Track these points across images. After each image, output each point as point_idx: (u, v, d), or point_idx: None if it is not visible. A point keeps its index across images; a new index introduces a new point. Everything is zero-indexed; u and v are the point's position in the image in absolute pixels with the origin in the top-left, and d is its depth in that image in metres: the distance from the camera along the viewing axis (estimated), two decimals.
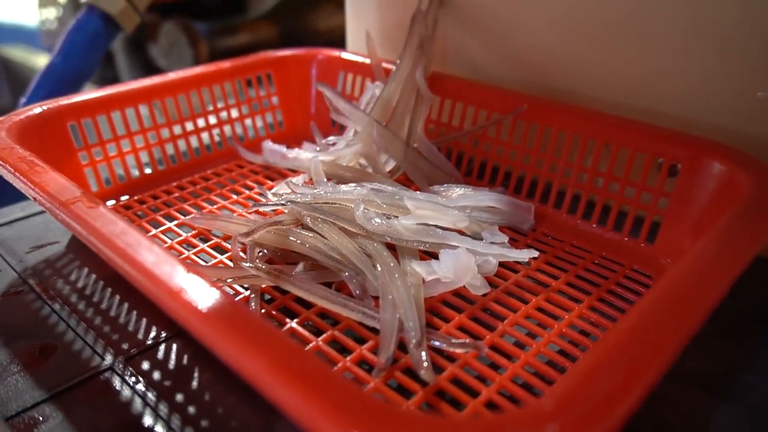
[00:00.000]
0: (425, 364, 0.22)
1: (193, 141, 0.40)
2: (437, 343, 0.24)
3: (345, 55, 0.43)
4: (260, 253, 0.29)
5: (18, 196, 0.44)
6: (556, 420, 0.14)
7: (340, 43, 1.14)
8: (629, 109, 0.34)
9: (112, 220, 0.22)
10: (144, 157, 0.38)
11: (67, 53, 0.45)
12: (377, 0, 0.43)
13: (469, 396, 0.22)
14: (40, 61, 1.32)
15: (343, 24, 1.15)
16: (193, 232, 0.32)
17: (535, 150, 0.34)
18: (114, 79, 0.87)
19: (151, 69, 1.06)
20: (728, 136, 0.31)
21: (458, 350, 0.24)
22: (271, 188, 0.35)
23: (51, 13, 1.28)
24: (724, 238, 0.22)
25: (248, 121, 0.42)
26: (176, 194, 0.37)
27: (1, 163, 0.27)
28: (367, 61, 0.41)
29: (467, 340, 0.24)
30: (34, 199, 0.26)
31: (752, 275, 0.29)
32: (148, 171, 0.38)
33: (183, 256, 0.30)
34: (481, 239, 0.30)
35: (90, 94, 0.35)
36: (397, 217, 0.29)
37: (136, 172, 0.37)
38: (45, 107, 0.33)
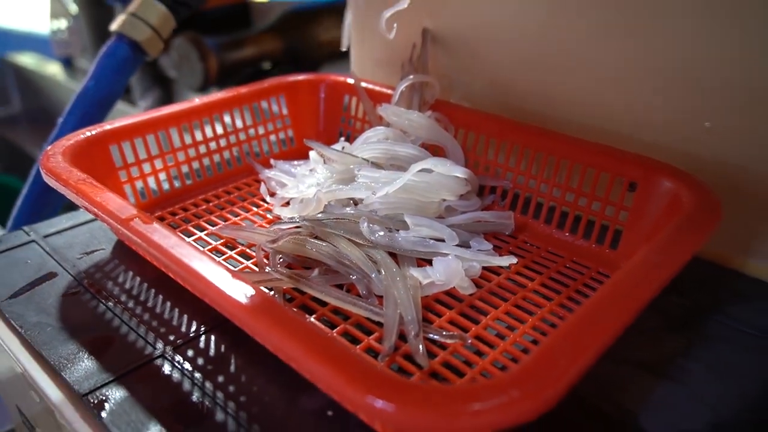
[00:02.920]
0: (421, 351, 0.27)
1: (216, 158, 0.45)
2: (431, 335, 0.29)
3: (349, 80, 0.47)
4: (280, 260, 0.34)
5: (56, 208, 0.49)
6: (517, 386, 0.19)
7: (341, 54, 1.19)
8: (599, 132, 0.39)
9: (167, 235, 0.27)
10: (173, 173, 0.43)
11: (99, 77, 0.50)
12: (379, 27, 0.48)
13: (457, 377, 0.27)
14: (51, 68, 1.37)
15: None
16: (221, 240, 0.37)
17: (517, 168, 0.39)
18: (125, 89, 0.91)
19: (161, 79, 1.11)
20: (682, 157, 0.36)
21: (448, 341, 0.29)
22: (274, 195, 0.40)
23: (62, 23, 1.32)
24: (663, 245, 0.27)
25: (264, 140, 0.47)
26: (203, 207, 0.42)
27: (65, 185, 0.32)
28: (369, 86, 0.46)
29: (455, 333, 0.29)
30: (96, 215, 0.31)
31: (697, 276, 0.35)
32: (177, 185, 0.42)
33: None
34: (470, 247, 0.35)
35: (128, 119, 0.40)
36: (398, 230, 0.34)
37: (167, 186, 0.42)
38: (90, 132, 0.38)
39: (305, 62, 1.06)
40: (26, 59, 1.42)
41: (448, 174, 0.37)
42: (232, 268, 0.35)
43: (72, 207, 0.39)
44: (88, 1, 1.18)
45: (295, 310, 0.31)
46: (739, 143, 0.34)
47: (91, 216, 0.41)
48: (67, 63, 1.39)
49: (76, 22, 1.31)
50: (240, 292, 0.23)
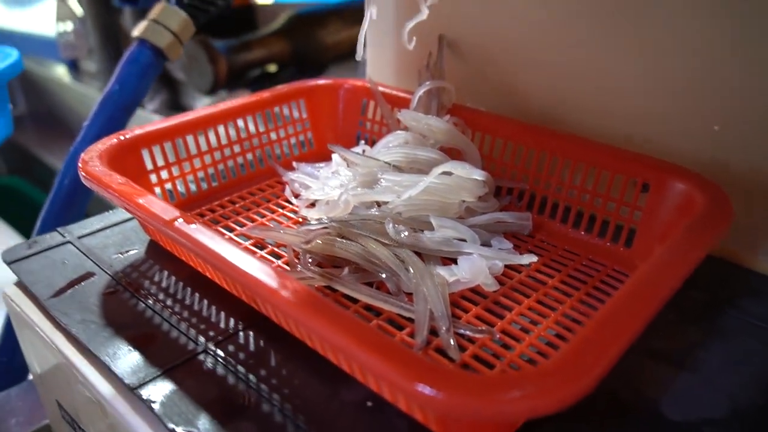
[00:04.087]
0: (452, 345, 0.29)
1: (239, 160, 0.46)
2: (461, 330, 0.30)
3: (367, 85, 0.49)
4: (310, 259, 0.35)
5: (82, 209, 0.50)
6: (555, 375, 0.21)
7: (346, 55, 1.20)
8: (612, 134, 0.41)
9: (211, 235, 0.28)
10: (200, 174, 0.44)
11: (123, 82, 0.51)
12: (395, 32, 0.49)
13: (487, 368, 0.28)
14: (57, 71, 1.38)
15: (348, 38, 1.22)
16: (251, 241, 0.39)
17: (533, 170, 0.41)
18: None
19: (168, 81, 1.12)
20: (693, 159, 0.37)
21: (477, 335, 0.30)
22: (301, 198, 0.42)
23: (68, 25, 1.33)
24: (679, 244, 0.29)
25: (284, 142, 0.49)
26: (229, 208, 0.43)
27: (106, 188, 0.33)
28: (386, 90, 0.47)
29: (483, 327, 0.30)
30: (139, 218, 0.32)
31: (710, 271, 0.36)
32: (204, 187, 0.44)
33: None
34: (491, 246, 0.36)
35: (157, 124, 0.41)
36: (422, 231, 0.36)
37: (194, 188, 0.43)
38: (123, 137, 0.40)
39: (311, 64, 1.08)
40: (32, 62, 1.43)
41: (467, 176, 0.38)
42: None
43: (99, 208, 0.40)
44: (94, 3, 1.18)
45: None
46: (746, 145, 0.36)
47: (122, 217, 0.42)
48: (73, 65, 1.40)
49: (82, 25, 1.32)
50: (293, 291, 0.25)
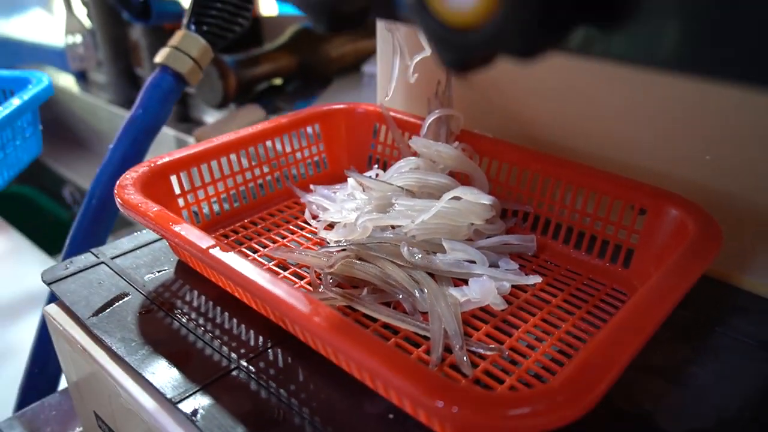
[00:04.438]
0: (465, 361, 0.32)
1: (259, 182, 0.49)
2: (473, 347, 0.33)
3: (380, 110, 0.51)
4: (331, 280, 0.38)
5: (109, 227, 0.53)
6: (561, 393, 0.23)
7: (351, 68, 1.22)
8: (613, 161, 0.44)
9: (245, 263, 0.31)
10: (222, 196, 0.47)
11: (147, 107, 0.54)
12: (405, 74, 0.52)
13: (497, 383, 0.31)
14: (65, 80, 1.40)
15: (353, 51, 1.24)
16: (274, 261, 0.41)
17: (537, 194, 0.44)
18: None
19: None
20: (687, 185, 0.40)
21: (488, 352, 0.33)
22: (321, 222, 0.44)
23: (77, 37, 1.36)
24: (674, 270, 0.31)
25: (301, 164, 0.51)
26: (251, 229, 0.46)
27: (144, 216, 0.36)
28: (397, 115, 0.50)
29: (494, 345, 0.33)
30: (175, 244, 0.35)
31: (701, 292, 0.39)
32: (226, 208, 0.47)
33: None
34: (498, 267, 0.39)
35: (184, 152, 0.44)
36: (435, 253, 0.38)
37: (217, 209, 0.46)
38: (153, 164, 0.42)
39: (316, 77, 1.11)
40: (41, 72, 1.46)
41: (476, 201, 0.41)
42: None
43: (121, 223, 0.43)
44: (104, 17, 1.21)
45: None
46: (735, 174, 0.39)
47: (151, 238, 0.45)
48: (81, 76, 1.43)
49: (91, 37, 1.34)
50: (320, 313, 0.27)
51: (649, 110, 0.41)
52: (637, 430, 0.30)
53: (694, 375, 0.33)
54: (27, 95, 0.51)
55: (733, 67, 0.14)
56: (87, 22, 1.34)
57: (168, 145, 1.10)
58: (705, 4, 0.13)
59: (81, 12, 1.34)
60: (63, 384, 0.57)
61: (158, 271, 0.41)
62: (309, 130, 0.52)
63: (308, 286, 0.39)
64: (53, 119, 1.45)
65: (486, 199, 0.41)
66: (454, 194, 0.40)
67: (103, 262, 0.42)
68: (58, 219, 1.38)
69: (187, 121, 1.12)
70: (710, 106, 0.38)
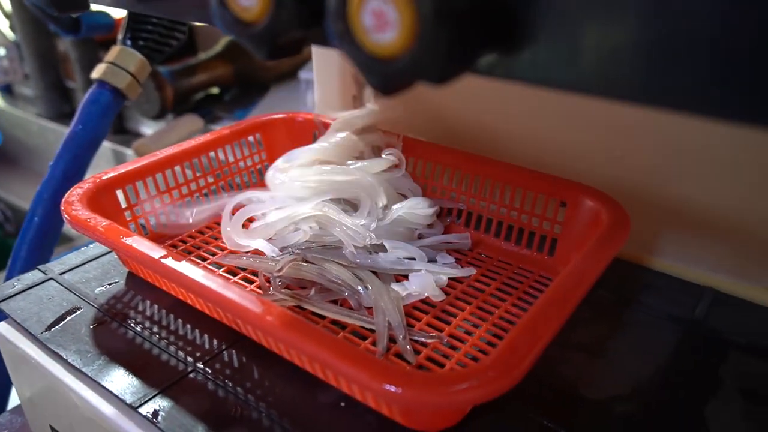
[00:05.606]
0: (409, 350, 0.34)
1: (204, 192, 0.50)
2: (416, 337, 0.36)
3: (317, 118, 0.54)
4: (280, 282, 0.40)
5: (53, 243, 0.53)
6: (493, 369, 0.26)
7: (287, 74, 1.23)
8: (537, 161, 0.47)
9: (198, 271, 0.33)
10: (169, 208, 0.48)
11: (86, 122, 0.54)
12: (339, 77, 0.55)
13: (439, 368, 0.34)
14: None
15: (289, 58, 1.25)
16: (224, 268, 0.43)
17: (468, 191, 0.47)
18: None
19: None
20: (602, 179, 0.44)
21: (429, 340, 0.36)
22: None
23: (0, 50, 1.31)
24: (588, 254, 0.35)
25: (244, 173, 0.53)
26: (199, 238, 0.47)
27: (93, 232, 0.37)
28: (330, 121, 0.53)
29: (434, 333, 0.36)
30: (127, 256, 0.36)
31: (616, 274, 0.43)
32: (173, 219, 0.48)
33: None
34: (436, 262, 0.42)
35: (128, 166, 0.45)
36: (377, 252, 0.41)
37: (164, 220, 0.47)
38: (98, 179, 0.43)
39: (254, 85, 1.12)
40: None
41: (422, 214, 0.44)
42: None
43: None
44: (29, 28, 1.18)
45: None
46: (642, 166, 0.43)
47: (99, 252, 0.46)
48: (6, 90, 1.38)
49: (16, 49, 1.30)
50: (273, 313, 0.30)
51: (569, 115, 0.45)
52: (562, 399, 0.33)
53: (611, 348, 0.37)
54: None
55: (617, 88, 0.17)
56: (10, 34, 1.29)
57: (105, 158, 1.08)
58: (585, 31, 0.17)
59: (3, 24, 1.30)
60: (13, 402, 0.57)
61: (109, 284, 0.42)
62: (251, 139, 0.54)
63: (258, 290, 0.41)
64: None
65: (429, 211, 0.44)
66: (399, 213, 0.43)
67: (51, 278, 0.43)
68: None
69: (124, 133, 1.11)
70: (620, 110, 0.42)
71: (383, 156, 0.46)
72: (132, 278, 0.43)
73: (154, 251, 0.35)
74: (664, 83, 0.15)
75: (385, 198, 0.44)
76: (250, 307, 0.30)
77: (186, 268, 0.33)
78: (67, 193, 0.41)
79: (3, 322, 0.40)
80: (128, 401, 0.32)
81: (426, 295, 0.39)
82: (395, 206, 0.43)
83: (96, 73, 0.55)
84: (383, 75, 0.17)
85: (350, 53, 0.17)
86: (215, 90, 1.11)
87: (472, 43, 0.16)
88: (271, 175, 0.47)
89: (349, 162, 0.47)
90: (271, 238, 0.44)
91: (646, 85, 0.16)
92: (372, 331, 0.36)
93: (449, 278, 0.41)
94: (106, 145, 1.03)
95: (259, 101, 1.06)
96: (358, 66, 0.18)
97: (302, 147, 0.48)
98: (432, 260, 0.42)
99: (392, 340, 0.35)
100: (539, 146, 0.48)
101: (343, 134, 0.48)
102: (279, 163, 0.48)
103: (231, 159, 0.52)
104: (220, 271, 0.43)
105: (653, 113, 0.41)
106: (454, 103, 0.51)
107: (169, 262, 0.34)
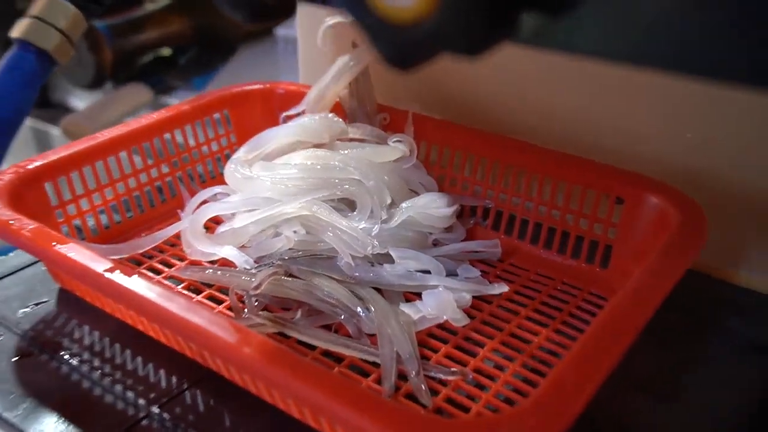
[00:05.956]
0: (424, 389, 0.35)
1: (158, 185, 0.50)
2: (432, 372, 0.36)
3: (304, 89, 0.54)
4: (256, 302, 0.41)
5: None
6: (533, 417, 0.27)
7: (261, 33, 1.23)
8: (587, 146, 0.48)
9: (152, 288, 0.33)
10: (113, 205, 0.48)
11: (3, 95, 0.54)
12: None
13: (462, 412, 0.34)
14: None
15: None
16: (183, 284, 0.43)
17: (497, 186, 0.47)
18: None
19: None
20: (671, 169, 0.45)
21: (450, 377, 0.36)
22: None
23: None
24: (656, 266, 0.35)
25: (208, 160, 0.53)
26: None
27: (16, 237, 0.37)
28: None
29: (456, 368, 0.37)
30: (60, 269, 0.36)
31: (688, 290, 0.44)
32: (117, 220, 0.48)
33: None
34: (457, 275, 0.43)
35: (60, 152, 0.45)
36: (381, 264, 0.41)
37: (106, 222, 0.48)
38: (21, 170, 0.43)
39: (217, 45, 1.11)
40: None
41: (436, 215, 0.44)
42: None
43: None
44: None
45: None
46: (723, 153, 0.44)
47: (22, 262, 0.46)
48: None
49: None
50: (249, 342, 0.30)
51: (620, 84, 0.45)
52: None
53: (684, 387, 0.38)
54: None
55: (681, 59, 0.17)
56: None
57: (24, 140, 1.08)
58: None
59: None
60: None
61: (35, 304, 0.43)
62: (217, 116, 0.54)
63: (229, 312, 0.41)
64: None
65: (447, 211, 0.44)
66: (410, 214, 0.44)
67: None
68: None
69: (48, 107, 1.11)
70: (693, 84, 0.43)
71: (390, 143, 0.47)
72: (65, 297, 0.43)
73: (96, 262, 0.35)
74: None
75: (390, 195, 0.44)
76: (220, 334, 0.30)
77: (136, 284, 0.34)
78: None
79: None
80: None
81: (444, 318, 0.40)
82: (404, 204, 0.44)
83: (16, 31, 0.55)
84: (397, 44, 0.17)
85: (359, 17, 0.18)
86: (167, 51, 1.11)
87: (510, 3, 0.17)
88: (231, 169, 0.47)
89: (338, 143, 0.47)
90: (243, 246, 0.44)
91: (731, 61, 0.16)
92: (376, 365, 0.37)
93: (474, 297, 0.42)
94: (25, 123, 1.04)
95: (223, 66, 1.06)
96: (366, 32, 0.18)
97: (272, 128, 0.48)
98: (451, 274, 0.43)
99: (402, 376, 0.36)
100: (589, 128, 0.48)
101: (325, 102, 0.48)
102: (241, 153, 0.48)
103: (192, 143, 0.52)
104: (180, 287, 0.43)
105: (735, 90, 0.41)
106: (480, 68, 0.52)
107: (116, 276, 0.34)
